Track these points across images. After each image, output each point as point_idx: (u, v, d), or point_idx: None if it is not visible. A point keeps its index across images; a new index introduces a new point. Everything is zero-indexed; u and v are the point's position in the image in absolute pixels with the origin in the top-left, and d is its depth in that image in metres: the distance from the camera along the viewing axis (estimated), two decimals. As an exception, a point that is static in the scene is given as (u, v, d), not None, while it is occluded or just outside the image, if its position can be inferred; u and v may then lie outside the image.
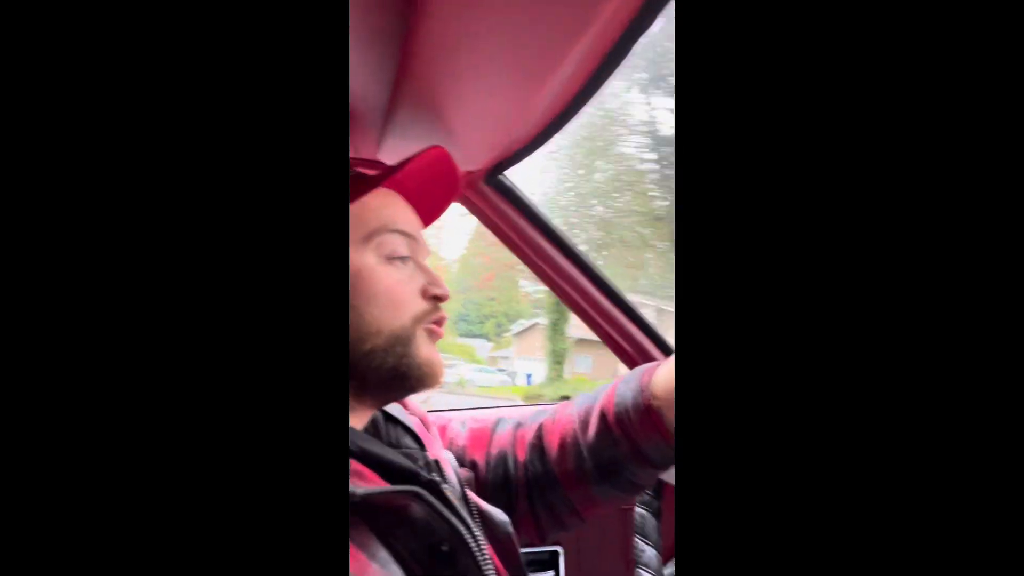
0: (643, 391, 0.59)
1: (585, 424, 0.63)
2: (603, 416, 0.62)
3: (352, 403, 0.53)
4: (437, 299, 0.55)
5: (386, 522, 0.44)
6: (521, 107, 0.60)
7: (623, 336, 0.97)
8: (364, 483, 0.44)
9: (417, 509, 0.44)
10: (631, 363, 0.98)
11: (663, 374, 0.58)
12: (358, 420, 0.54)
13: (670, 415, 0.56)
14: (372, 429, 0.58)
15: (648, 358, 0.97)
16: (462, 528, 0.46)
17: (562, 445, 0.64)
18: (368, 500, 0.42)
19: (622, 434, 0.59)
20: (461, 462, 0.67)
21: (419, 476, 0.48)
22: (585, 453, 0.62)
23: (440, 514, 0.45)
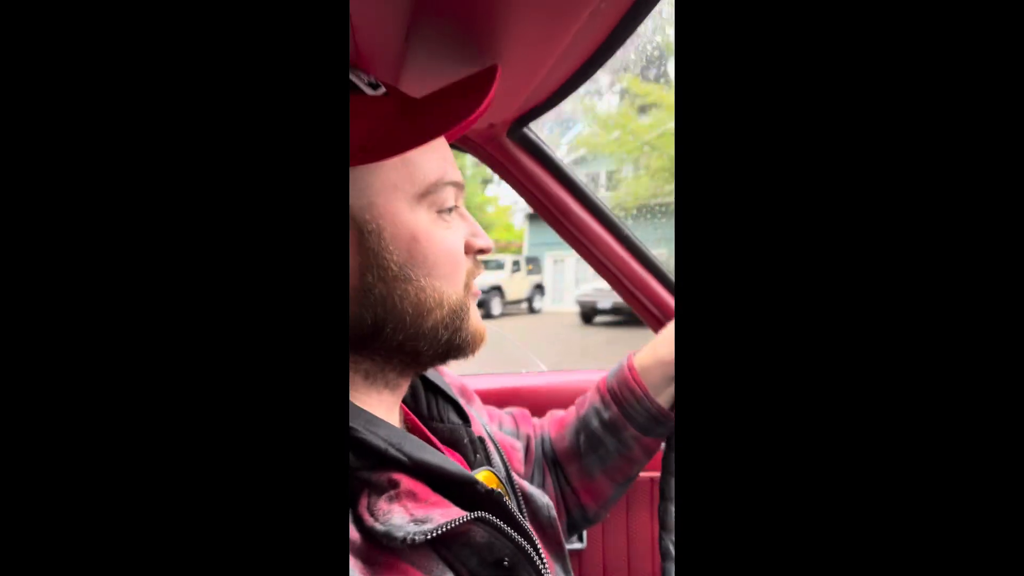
0: (628, 358, 0.63)
1: (583, 402, 0.66)
2: (596, 388, 0.66)
3: (398, 379, 0.48)
4: (481, 252, 0.49)
5: (447, 546, 0.40)
6: (546, 53, 0.55)
7: (651, 299, 0.93)
8: (419, 507, 0.39)
9: (480, 532, 0.40)
10: (658, 327, 0.95)
11: (649, 343, 0.63)
12: (398, 396, 0.49)
13: (652, 376, 0.60)
14: (411, 400, 0.54)
15: (676, 322, 0.94)
16: (523, 540, 0.42)
17: (562, 423, 0.67)
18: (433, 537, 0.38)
19: (610, 398, 0.63)
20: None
21: (476, 487, 0.43)
22: (578, 425, 0.65)
23: (502, 532, 0.41)
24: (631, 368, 0.62)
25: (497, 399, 0.98)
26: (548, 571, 0.44)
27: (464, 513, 0.39)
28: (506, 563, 0.41)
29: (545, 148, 0.86)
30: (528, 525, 0.47)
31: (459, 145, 0.85)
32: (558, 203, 0.89)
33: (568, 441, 0.65)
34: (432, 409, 0.54)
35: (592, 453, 0.63)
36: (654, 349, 0.61)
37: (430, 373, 0.56)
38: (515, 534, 0.42)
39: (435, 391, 0.55)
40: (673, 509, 0.59)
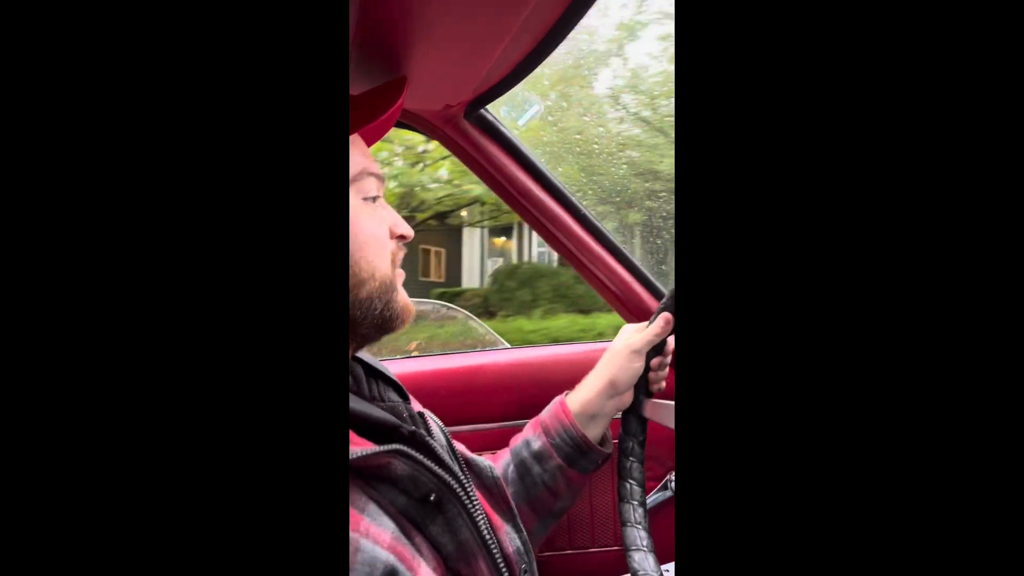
0: (561, 396, 0.70)
1: (517, 437, 0.71)
2: (531, 424, 0.71)
3: None
4: (402, 238, 0.54)
5: (369, 479, 0.43)
6: (500, 33, 0.55)
7: (614, 281, 0.94)
8: None
9: (400, 466, 0.43)
10: (622, 309, 0.96)
11: (580, 383, 0.69)
12: None
13: (577, 408, 0.66)
14: (354, 384, 0.56)
15: (639, 303, 0.95)
16: (448, 476, 0.45)
17: (496, 458, 0.71)
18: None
19: (541, 430, 0.68)
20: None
21: (400, 429, 0.47)
22: (509, 457, 0.70)
23: (424, 466, 0.44)
24: (562, 403, 0.69)
25: (463, 376, 0.99)
26: (478, 505, 0.47)
27: (380, 446, 0.42)
28: (433, 498, 0.44)
29: (503, 129, 0.86)
30: (457, 468, 0.50)
31: (416, 127, 0.84)
32: (517, 185, 0.89)
33: (500, 471, 0.68)
34: (373, 390, 0.57)
35: (519, 482, 0.67)
36: (581, 388, 0.69)
37: (370, 358, 0.59)
38: (438, 468, 0.45)
39: (375, 375, 0.58)
40: (627, 463, 0.66)
